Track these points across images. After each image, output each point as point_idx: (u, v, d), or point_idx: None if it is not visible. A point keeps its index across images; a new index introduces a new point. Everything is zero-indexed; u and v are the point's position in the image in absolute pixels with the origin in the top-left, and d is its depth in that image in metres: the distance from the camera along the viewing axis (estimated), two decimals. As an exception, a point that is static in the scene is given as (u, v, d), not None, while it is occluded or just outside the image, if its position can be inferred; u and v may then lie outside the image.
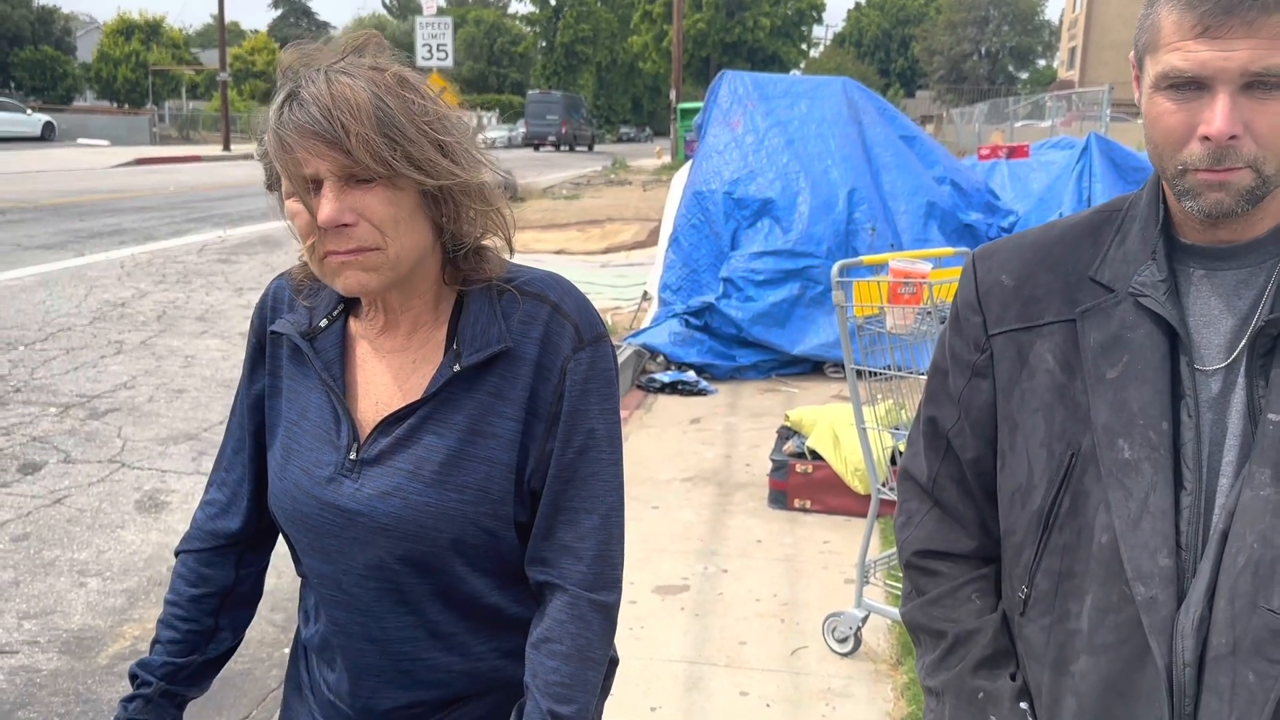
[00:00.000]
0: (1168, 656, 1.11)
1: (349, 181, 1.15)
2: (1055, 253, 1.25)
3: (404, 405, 1.26)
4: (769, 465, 4.88)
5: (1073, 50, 59.71)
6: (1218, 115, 1.05)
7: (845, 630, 3.46)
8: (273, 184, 1.23)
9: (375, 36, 1.22)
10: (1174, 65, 1.07)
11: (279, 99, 1.17)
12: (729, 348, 7.21)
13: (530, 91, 56.37)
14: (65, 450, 5.45)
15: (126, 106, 49.96)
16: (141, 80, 50.25)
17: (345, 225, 1.15)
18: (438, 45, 15.60)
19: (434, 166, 1.17)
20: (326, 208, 1.14)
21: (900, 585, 1.39)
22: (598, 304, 9.19)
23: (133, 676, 1.38)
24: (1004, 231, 7.83)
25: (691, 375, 6.91)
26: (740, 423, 6.18)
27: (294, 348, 1.32)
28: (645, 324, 7.65)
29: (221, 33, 38.54)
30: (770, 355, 7.22)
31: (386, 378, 1.29)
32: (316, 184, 1.15)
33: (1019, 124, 26.99)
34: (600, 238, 14.54)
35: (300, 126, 1.13)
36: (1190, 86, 1.07)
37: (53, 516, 4.61)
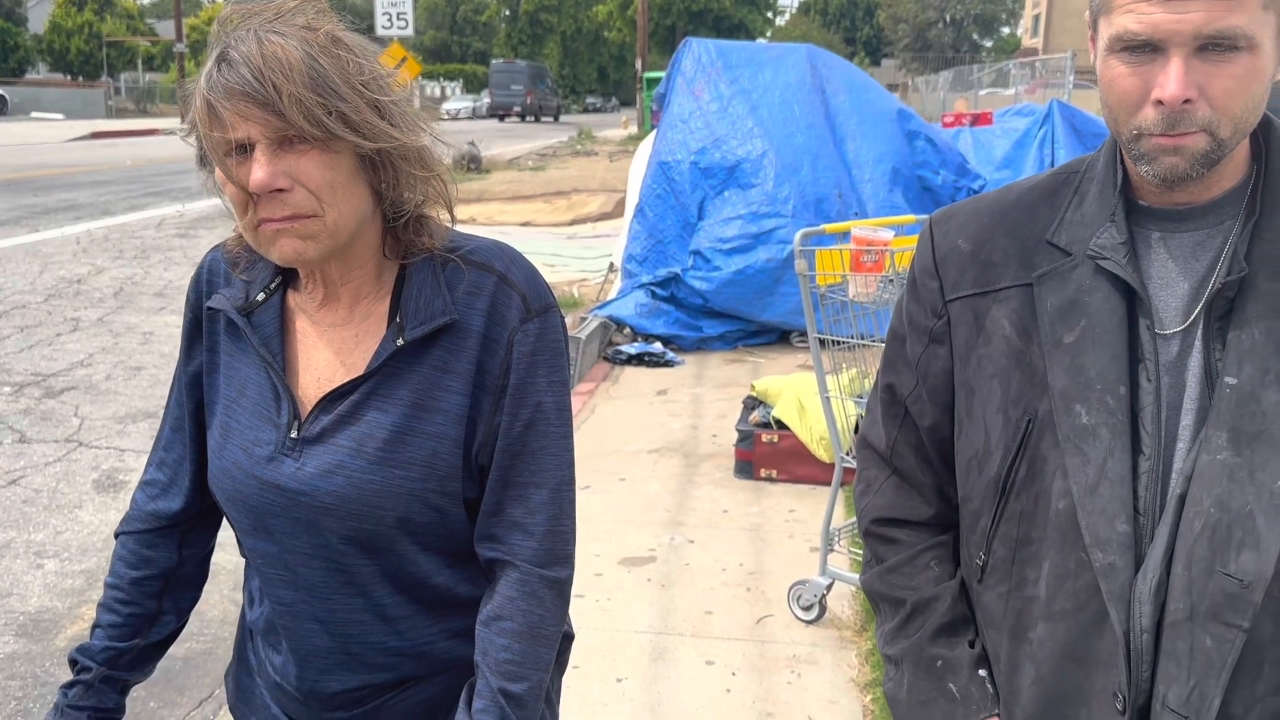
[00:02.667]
0: (1125, 622, 1.10)
1: (282, 145, 1.11)
2: (1012, 216, 1.23)
3: (346, 381, 1.22)
4: (735, 435, 4.88)
5: (1036, 17, 59.89)
6: (1171, 79, 1.02)
7: (810, 598, 3.47)
8: (205, 159, 1.18)
9: (313, 1, 1.18)
10: (1127, 28, 1.04)
11: (208, 62, 1.13)
12: (695, 318, 7.19)
13: (494, 61, 55.77)
14: (20, 430, 5.36)
15: (81, 79, 48.96)
16: (96, 52, 49.24)
17: (279, 190, 1.11)
18: (398, 14, 15.36)
19: (371, 128, 1.12)
20: (258, 172, 1.10)
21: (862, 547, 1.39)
22: (564, 276, 9.23)
23: (72, 662, 1.34)
24: (973, 193, 7.83)
25: (658, 346, 6.89)
26: (707, 393, 6.17)
27: (231, 323, 1.28)
28: (611, 295, 7.61)
29: (177, 2, 37.79)
30: (737, 325, 7.21)
31: (328, 353, 1.25)
32: (248, 148, 1.11)
33: (983, 92, 27.02)
34: (566, 209, 14.45)
35: (229, 88, 1.08)
36: (1144, 49, 1.04)
37: (8, 498, 4.52)
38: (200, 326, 1.32)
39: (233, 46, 1.11)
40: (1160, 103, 1.04)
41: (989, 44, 73.57)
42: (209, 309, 1.29)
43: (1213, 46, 1.02)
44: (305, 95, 1.08)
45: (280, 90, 1.07)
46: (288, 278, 1.29)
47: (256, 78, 1.08)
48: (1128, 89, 1.06)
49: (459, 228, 1.30)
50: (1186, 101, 1.03)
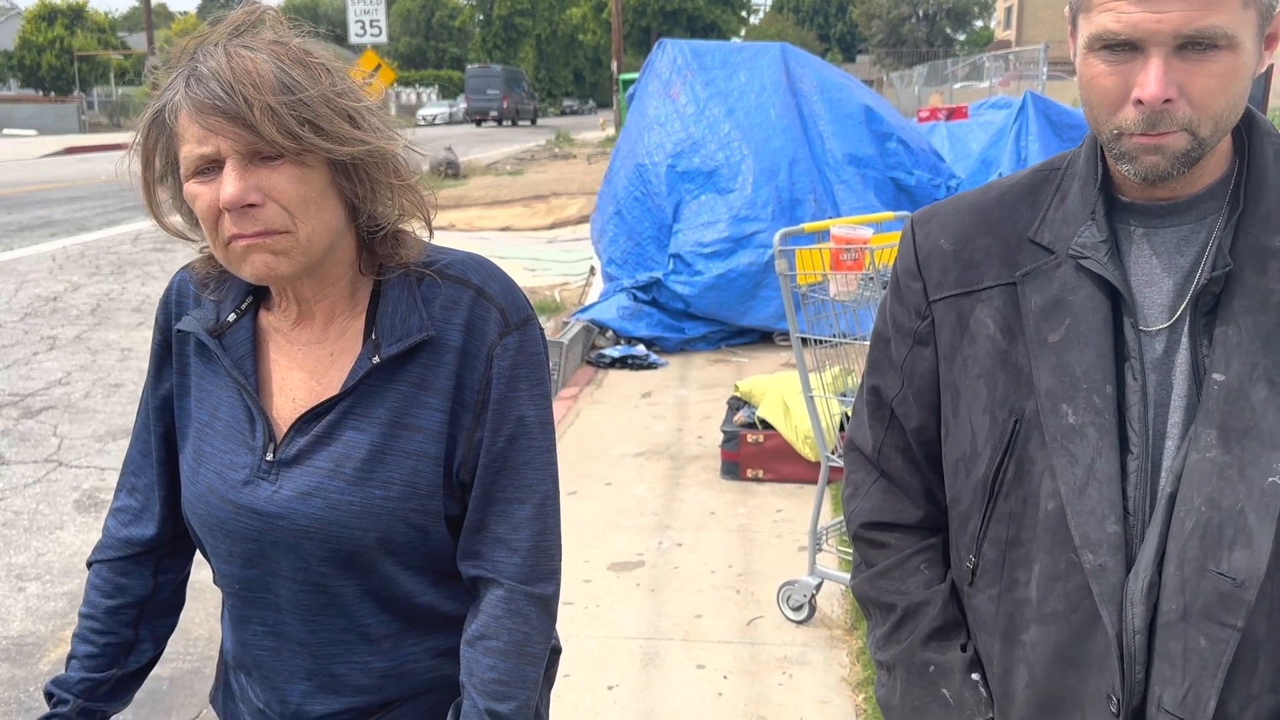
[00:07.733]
0: (1118, 624, 1.09)
1: (253, 160, 1.09)
2: (994, 215, 1.22)
3: (322, 401, 1.20)
4: (720, 436, 4.87)
5: (1009, 10, 60.20)
6: (1151, 79, 1.01)
7: (800, 598, 3.46)
8: (158, 180, 1.16)
9: (271, 11, 1.16)
10: (1106, 27, 1.03)
11: (177, 80, 1.11)
12: (678, 320, 7.18)
13: (469, 66, 55.70)
14: (-2, 451, 5.29)
15: (53, 94, 48.63)
16: (67, 67, 48.91)
17: (251, 206, 1.09)
18: (370, 21, 15.29)
19: (344, 135, 1.11)
20: (229, 187, 1.08)
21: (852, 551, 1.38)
22: (545, 280, 9.20)
23: (49, 695, 1.31)
24: (950, 191, 7.83)
25: (641, 349, 6.88)
26: (691, 395, 6.16)
27: (201, 345, 1.25)
28: (593, 299, 7.59)
29: (148, 15, 37.56)
30: (719, 326, 7.21)
31: (302, 373, 1.22)
32: (217, 164, 1.09)
33: (958, 85, 27.10)
34: (546, 213, 14.42)
35: (200, 103, 1.07)
36: (1124, 48, 1.03)
37: (-13, 521, 4.47)
38: (170, 349, 1.29)
39: (201, 62, 1.09)
40: (1140, 102, 1.02)
41: (962, 37, 73.87)
42: (179, 331, 1.27)
43: (1192, 45, 1.01)
44: (277, 107, 1.06)
45: (251, 103, 1.06)
46: (259, 297, 1.26)
47: (227, 91, 1.06)
48: (1107, 88, 1.05)
49: (438, 234, 1.28)
50: (1166, 101, 1.02)
